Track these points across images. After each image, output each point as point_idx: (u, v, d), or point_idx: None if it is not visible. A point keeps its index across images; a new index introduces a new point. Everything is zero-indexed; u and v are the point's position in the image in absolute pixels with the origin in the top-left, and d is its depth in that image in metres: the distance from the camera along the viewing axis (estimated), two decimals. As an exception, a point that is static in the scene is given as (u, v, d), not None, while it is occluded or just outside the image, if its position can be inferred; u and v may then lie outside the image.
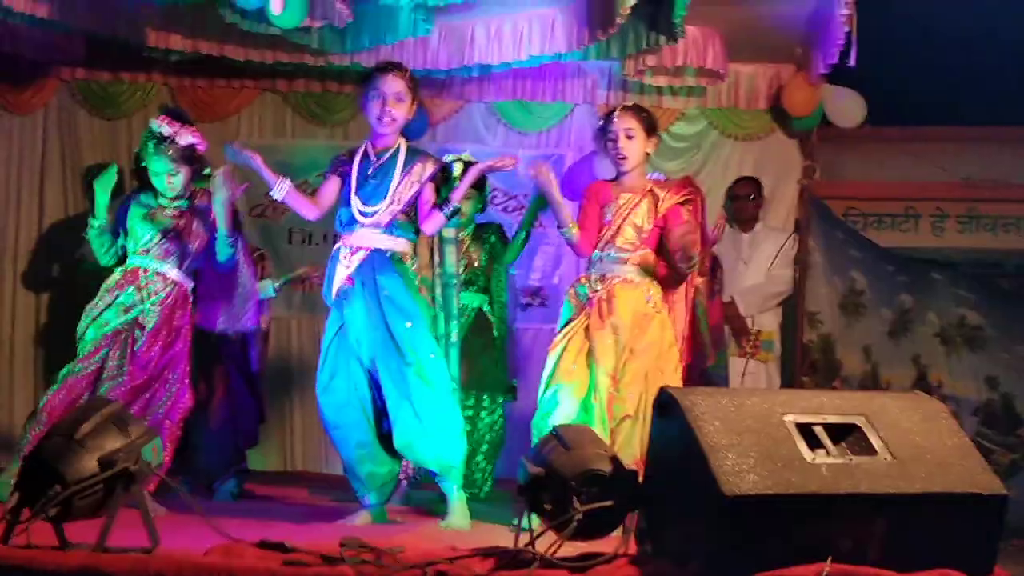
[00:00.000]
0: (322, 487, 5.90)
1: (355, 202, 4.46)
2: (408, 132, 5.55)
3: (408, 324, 4.37)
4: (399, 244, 4.48)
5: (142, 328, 4.69)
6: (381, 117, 4.44)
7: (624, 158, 4.52)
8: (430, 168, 4.53)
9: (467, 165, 4.89)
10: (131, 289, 4.71)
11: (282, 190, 4.50)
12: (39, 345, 6.83)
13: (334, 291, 4.46)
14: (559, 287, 6.76)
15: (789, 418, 2.81)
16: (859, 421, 2.83)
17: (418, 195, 4.49)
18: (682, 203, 4.52)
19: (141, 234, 4.78)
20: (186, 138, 4.78)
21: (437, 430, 4.37)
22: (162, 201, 4.82)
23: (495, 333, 5.60)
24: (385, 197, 4.43)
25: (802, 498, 2.64)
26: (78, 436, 3.02)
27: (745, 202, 6.53)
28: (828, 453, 2.76)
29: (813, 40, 5.81)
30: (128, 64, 6.77)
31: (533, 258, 6.74)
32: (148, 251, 4.75)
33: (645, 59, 5.95)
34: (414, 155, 4.53)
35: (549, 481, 3.14)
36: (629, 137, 4.51)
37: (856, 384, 6.25)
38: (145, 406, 4.65)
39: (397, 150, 4.52)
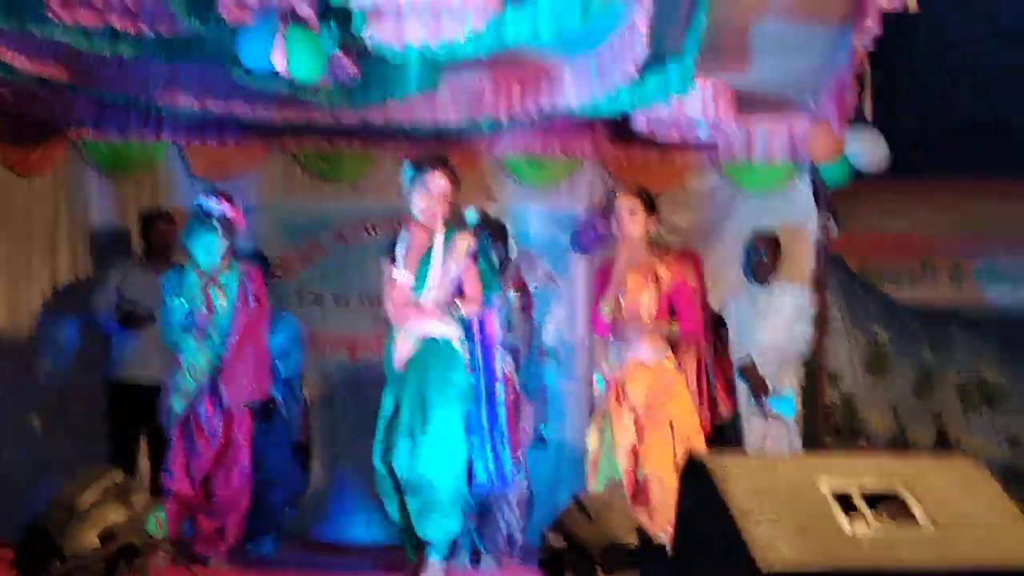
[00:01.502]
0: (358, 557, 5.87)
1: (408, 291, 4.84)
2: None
3: (448, 406, 4.80)
4: (450, 328, 4.87)
5: None
6: (425, 212, 4.86)
7: (628, 235, 5.08)
8: (469, 248, 4.90)
9: (483, 215, 5.22)
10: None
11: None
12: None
13: (395, 366, 4.88)
14: (572, 344, 6.66)
15: (825, 485, 2.67)
16: (898, 488, 2.69)
17: (462, 277, 4.89)
18: (684, 276, 5.12)
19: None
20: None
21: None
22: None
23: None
24: (429, 283, 4.83)
25: (842, 573, 2.49)
26: (79, 508, 2.92)
27: (761, 258, 6.42)
28: (867, 523, 2.62)
29: (829, 92, 5.73)
30: (136, 123, 6.72)
31: (545, 318, 6.61)
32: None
33: (657, 113, 5.88)
34: (451, 236, 4.89)
35: (572, 554, 3.02)
36: (632, 214, 5.08)
37: (883, 444, 6.11)
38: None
39: (435, 235, 4.88)
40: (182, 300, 5.22)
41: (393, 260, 4.92)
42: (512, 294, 5.72)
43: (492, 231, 5.39)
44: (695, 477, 2.76)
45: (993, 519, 2.67)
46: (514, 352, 5.71)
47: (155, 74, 6.04)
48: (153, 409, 5.99)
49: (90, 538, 2.89)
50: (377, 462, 4.92)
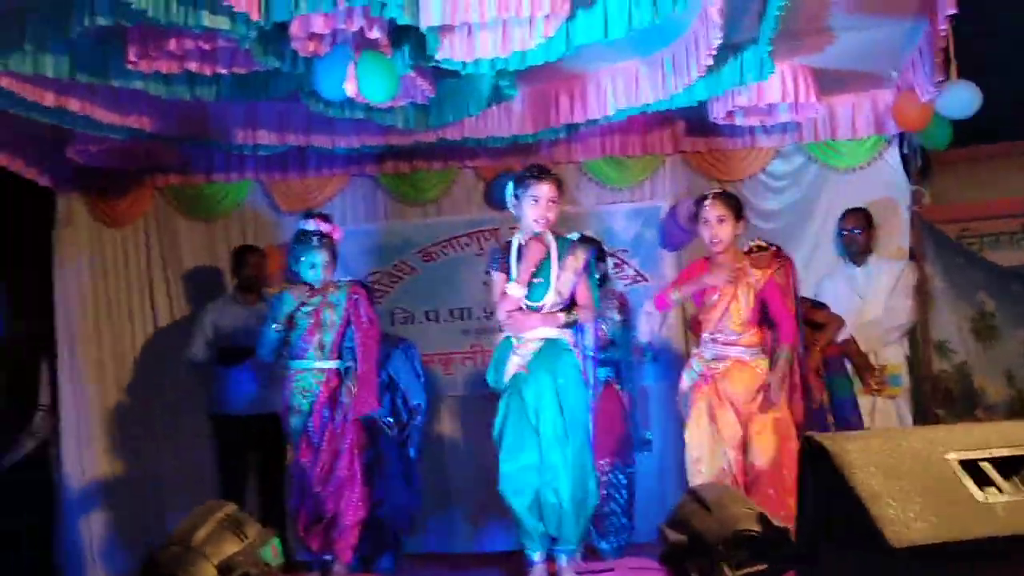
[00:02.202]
0: (477, 566, 5.92)
1: (524, 299, 4.97)
2: (498, 199, 5.66)
3: (573, 405, 4.93)
4: (565, 333, 4.99)
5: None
6: (539, 220, 4.96)
7: (719, 241, 5.11)
8: (582, 258, 5.03)
9: (585, 239, 5.43)
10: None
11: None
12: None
13: (507, 376, 4.99)
14: (667, 342, 6.62)
15: (952, 456, 2.60)
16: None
17: (575, 285, 5.00)
18: (774, 275, 5.10)
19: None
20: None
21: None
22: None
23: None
24: (549, 291, 4.94)
25: (979, 543, 2.42)
26: (194, 543, 2.95)
27: (854, 235, 6.32)
28: (1000, 491, 2.54)
29: (911, 62, 5.59)
30: (219, 164, 6.85)
31: (637, 316, 6.56)
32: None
33: (734, 100, 5.80)
34: (565, 247, 5.04)
35: (693, 548, 2.97)
36: (721, 221, 5.09)
37: (1002, 412, 5.94)
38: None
39: (549, 243, 5.02)
40: (279, 323, 5.35)
41: (502, 270, 5.03)
42: (616, 313, 5.82)
43: (594, 248, 5.46)
44: (816, 460, 2.70)
45: None
46: (616, 363, 5.82)
47: (234, 114, 6.16)
48: (257, 439, 6.10)
49: (207, 571, 2.90)
50: (510, 461, 4.98)
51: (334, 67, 4.75)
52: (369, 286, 6.15)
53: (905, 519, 2.44)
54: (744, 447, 5.03)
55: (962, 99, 5.58)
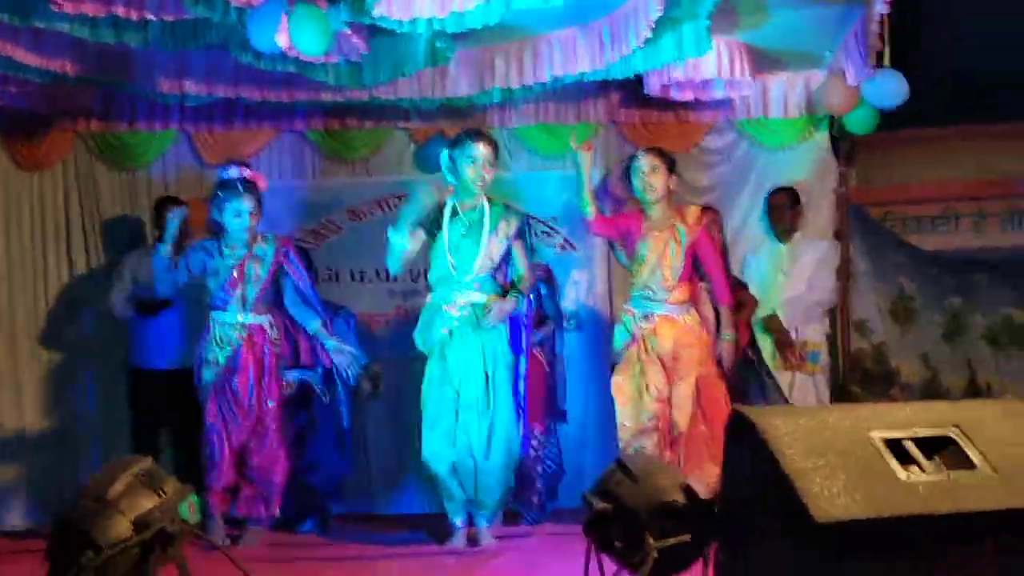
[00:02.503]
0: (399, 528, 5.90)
1: (451, 260, 5.01)
2: (429, 162, 5.60)
3: (499, 372, 5.02)
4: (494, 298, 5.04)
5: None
6: (475, 180, 5.04)
7: (652, 190, 5.24)
8: (514, 225, 5.10)
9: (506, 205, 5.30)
10: None
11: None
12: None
13: (434, 339, 5.04)
14: (593, 310, 6.64)
15: (876, 434, 2.63)
16: (952, 433, 2.65)
17: (507, 252, 5.07)
18: (706, 229, 5.30)
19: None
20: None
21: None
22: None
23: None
24: (478, 255, 4.99)
25: (901, 520, 2.46)
26: (109, 498, 2.88)
27: (781, 212, 6.39)
28: (923, 470, 2.58)
29: (845, 44, 5.64)
30: (143, 113, 6.67)
31: (565, 285, 6.57)
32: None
33: (671, 74, 5.80)
34: (498, 212, 5.09)
35: (618, 516, 2.97)
36: (654, 171, 5.25)
37: (917, 392, 6.09)
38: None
39: (483, 208, 5.09)
40: (167, 246, 5.28)
41: (428, 231, 5.04)
42: (543, 285, 5.85)
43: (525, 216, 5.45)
44: (742, 433, 2.72)
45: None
46: (544, 332, 5.85)
47: (160, 62, 6.00)
48: (175, 395, 5.99)
49: (122, 527, 2.83)
50: (433, 426, 5.03)
51: (267, 18, 4.64)
52: (298, 243, 6.08)
53: (829, 495, 2.47)
54: (669, 403, 5.15)
55: (889, 89, 5.68)
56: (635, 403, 5.16)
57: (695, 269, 5.31)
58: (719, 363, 5.29)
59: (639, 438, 5.12)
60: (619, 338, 5.31)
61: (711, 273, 5.28)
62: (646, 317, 5.22)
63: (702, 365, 5.23)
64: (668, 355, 5.18)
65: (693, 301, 5.31)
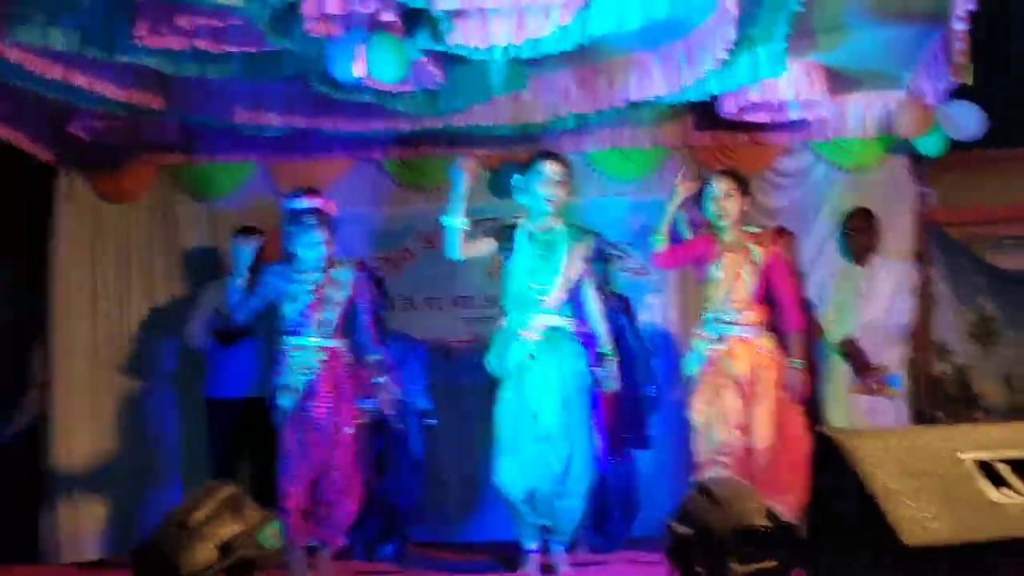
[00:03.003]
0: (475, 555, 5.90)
1: (529, 283, 5.00)
2: (503, 188, 5.63)
3: (578, 397, 4.96)
4: (571, 322, 5.04)
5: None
6: (549, 197, 5.01)
7: (726, 215, 5.17)
8: (590, 247, 5.10)
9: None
10: None
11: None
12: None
13: (509, 364, 4.99)
14: (667, 335, 6.63)
15: (967, 455, 2.58)
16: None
17: (583, 272, 5.05)
18: (779, 253, 5.21)
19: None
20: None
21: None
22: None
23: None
24: (556, 278, 4.97)
25: (994, 544, 2.40)
26: (192, 524, 2.92)
27: (858, 235, 6.30)
28: (1016, 492, 2.52)
29: (924, 63, 5.57)
30: (224, 144, 6.79)
31: (639, 310, 6.52)
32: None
33: (746, 95, 5.78)
34: (573, 234, 5.06)
35: (700, 542, 2.95)
36: (728, 196, 5.16)
37: (1000, 416, 5.95)
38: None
39: (558, 230, 5.07)
40: (242, 277, 5.27)
41: (501, 247, 5.07)
42: (622, 316, 5.84)
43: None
44: (829, 455, 2.69)
45: None
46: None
47: (240, 94, 6.11)
48: (253, 423, 6.04)
49: (205, 553, 2.87)
50: (508, 450, 4.99)
51: (346, 48, 4.72)
52: (373, 270, 6.13)
53: (921, 518, 2.43)
54: (747, 428, 5.06)
55: (965, 121, 5.62)
56: (712, 429, 5.07)
57: (766, 294, 5.21)
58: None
59: (716, 464, 5.04)
60: (692, 363, 5.23)
61: (782, 297, 5.18)
62: (720, 339, 5.13)
63: (779, 389, 5.14)
64: (745, 378, 5.09)
65: (766, 326, 5.21)
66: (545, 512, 5.00)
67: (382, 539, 5.84)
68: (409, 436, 5.92)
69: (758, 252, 5.18)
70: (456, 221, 5.03)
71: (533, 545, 5.05)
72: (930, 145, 6.11)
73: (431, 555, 5.98)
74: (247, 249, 5.35)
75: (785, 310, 5.18)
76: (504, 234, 5.10)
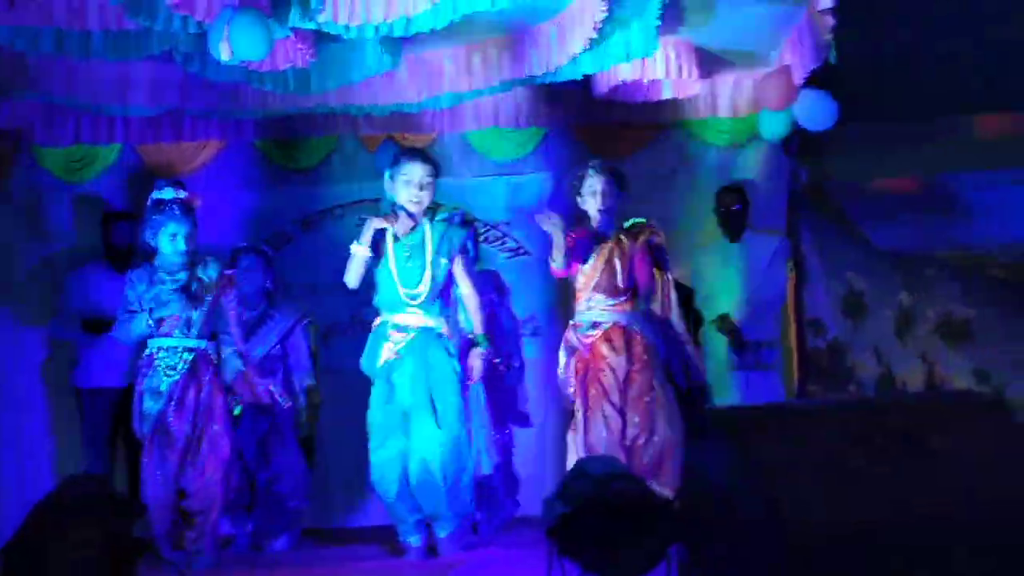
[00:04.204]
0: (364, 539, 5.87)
1: (396, 284, 5.04)
2: (380, 169, 5.57)
3: (447, 386, 5.01)
4: (439, 322, 5.09)
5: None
6: (412, 200, 5.05)
7: (604, 211, 5.27)
8: (456, 242, 5.11)
9: (450, 212, 5.33)
10: None
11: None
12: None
13: (380, 362, 5.06)
14: (551, 315, 6.62)
15: (843, 430, 2.61)
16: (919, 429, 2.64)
17: (453, 268, 5.09)
18: (647, 244, 5.26)
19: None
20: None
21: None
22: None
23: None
24: (422, 279, 5.02)
25: (877, 524, 2.43)
26: (63, 515, 2.84)
27: (731, 211, 6.41)
28: (891, 465, 2.56)
29: (791, 41, 5.67)
30: (88, 126, 6.55)
31: (522, 290, 6.52)
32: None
33: (618, 75, 5.81)
34: (439, 231, 5.08)
35: (580, 520, 2.96)
36: (603, 187, 5.26)
37: (872, 388, 6.11)
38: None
39: (423, 230, 5.10)
40: (144, 310, 5.11)
41: (371, 248, 5.03)
42: (493, 293, 5.80)
43: (470, 230, 5.48)
44: (710, 433, 2.71)
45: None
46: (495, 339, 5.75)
47: (104, 74, 5.90)
48: (125, 412, 5.87)
49: (75, 545, 2.79)
50: (379, 449, 5.03)
51: (217, 27, 4.57)
52: (266, 254, 6.01)
53: (805, 495, 2.45)
54: (622, 411, 5.12)
55: (817, 112, 5.77)
56: (591, 413, 5.13)
57: (634, 278, 5.27)
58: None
59: (596, 447, 5.08)
60: (566, 355, 5.30)
61: (640, 277, 5.25)
62: (593, 326, 5.22)
63: (653, 373, 5.21)
64: (620, 363, 5.16)
65: (638, 314, 5.27)
66: (429, 501, 5.01)
67: (273, 530, 5.74)
68: (291, 419, 5.84)
69: (626, 241, 5.25)
70: (364, 251, 5.04)
71: (412, 539, 5.10)
72: (776, 124, 6.25)
73: (322, 544, 5.92)
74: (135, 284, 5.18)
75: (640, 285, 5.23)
76: (374, 238, 5.08)
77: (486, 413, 5.64)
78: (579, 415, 5.22)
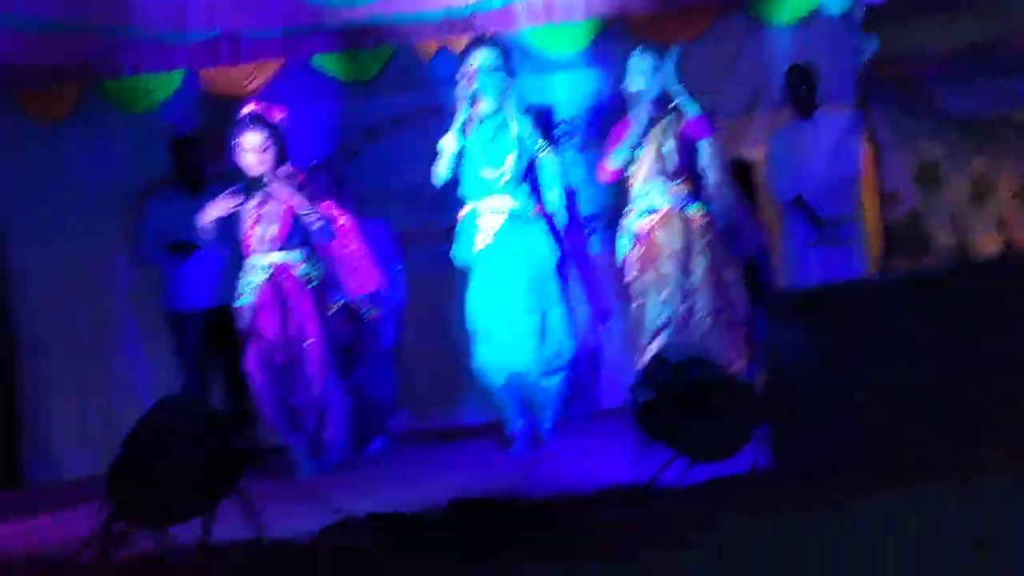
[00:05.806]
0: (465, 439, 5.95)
1: (481, 168, 5.07)
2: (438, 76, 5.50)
3: (545, 274, 5.08)
4: (529, 203, 5.14)
5: None
6: (486, 86, 5.16)
7: (646, 88, 5.21)
8: (534, 127, 5.17)
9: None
10: None
11: None
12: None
13: (475, 250, 5.09)
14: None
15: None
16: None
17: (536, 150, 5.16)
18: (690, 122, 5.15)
19: None
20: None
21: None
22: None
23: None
24: (507, 159, 5.07)
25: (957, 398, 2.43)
26: (165, 434, 2.93)
27: (799, 89, 6.29)
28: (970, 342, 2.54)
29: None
30: (149, 56, 6.57)
31: (590, 188, 6.49)
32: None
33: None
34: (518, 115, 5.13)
35: (665, 406, 3.00)
36: (644, 73, 5.20)
37: (949, 258, 6.05)
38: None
39: (503, 114, 5.15)
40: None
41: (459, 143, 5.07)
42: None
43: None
44: (791, 316, 2.70)
45: None
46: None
47: (159, 2, 5.93)
48: (222, 333, 5.98)
49: (180, 463, 2.89)
50: (482, 339, 5.09)
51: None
52: (330, 167, 6.05)
53: (885, 374, 2.44)
54: (686, 295, 5.10)
55: None
56: (654, 301, 5.12)
57: (692, 165, 5.22)
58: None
59: (660, 333, 5.07)
60: (625, 243, 5.28)
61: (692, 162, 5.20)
62: (650, 212, 5.18)
63: (713, 252, 5.20)
64: (679, 247, 5.14)
65: (694, 196, 5.24)
66: (528, 392, 5.10)
67: (366, 436, 5.81)
68: (381, 325, 5.90)
69: (678, 120, 5.20)
70: (452, 141, 5.09)
71: (517, 426, 5.16)
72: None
73: (417, 444, 6.01)
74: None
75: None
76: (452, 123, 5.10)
77: (583, 293, 5.71)
78: (639, 301, 5.22)
